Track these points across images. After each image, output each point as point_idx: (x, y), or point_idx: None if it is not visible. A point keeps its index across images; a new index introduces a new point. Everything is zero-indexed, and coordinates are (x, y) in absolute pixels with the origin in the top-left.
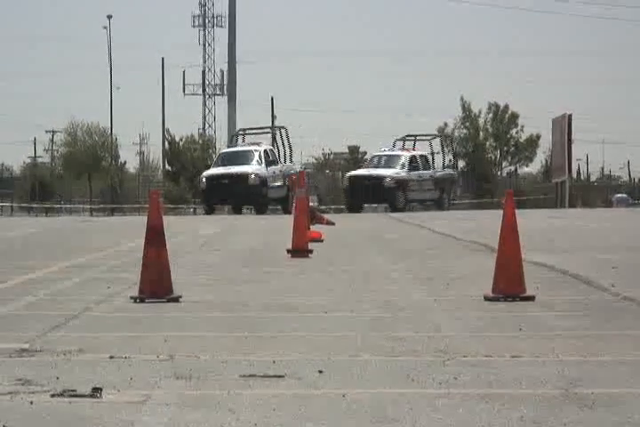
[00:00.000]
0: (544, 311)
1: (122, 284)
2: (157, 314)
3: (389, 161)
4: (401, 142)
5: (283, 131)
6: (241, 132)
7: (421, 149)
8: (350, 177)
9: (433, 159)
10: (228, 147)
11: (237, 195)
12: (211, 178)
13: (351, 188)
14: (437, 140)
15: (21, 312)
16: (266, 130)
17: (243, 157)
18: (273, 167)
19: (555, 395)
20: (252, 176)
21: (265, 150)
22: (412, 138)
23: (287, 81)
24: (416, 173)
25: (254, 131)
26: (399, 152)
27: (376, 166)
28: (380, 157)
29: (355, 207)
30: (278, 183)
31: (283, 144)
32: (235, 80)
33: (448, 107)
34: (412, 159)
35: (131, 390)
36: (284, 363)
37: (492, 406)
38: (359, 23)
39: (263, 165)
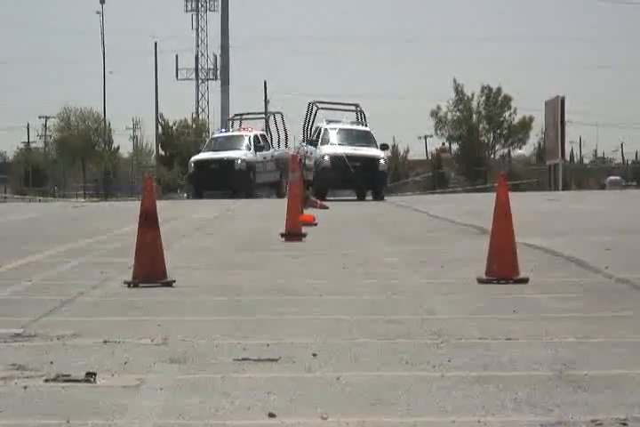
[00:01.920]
0: (538, 293)
1: (116, 268)
2: (151, 298)
3: (233, 142)
4: (235, 122)
5: (278, 116)
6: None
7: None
8: (196, 162)
9: (271, 138)
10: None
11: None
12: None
13: (197, 173)
14: (272, 117)
15: (15, 297)
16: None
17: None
18: (263, 152)
19: (549, 377)
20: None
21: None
22: (239, 117)
23: (280, 66)
24: (261, 153)
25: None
26: (243, 132)
27: (217, 149)
28: (223, 138)
29: (201, 194)
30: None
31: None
32: (228, 65)
33: (441, 91)
34: (256, 139)
35: (125, 375)
36: (279, 346)
37: (486, 389)
38: (353, 8)
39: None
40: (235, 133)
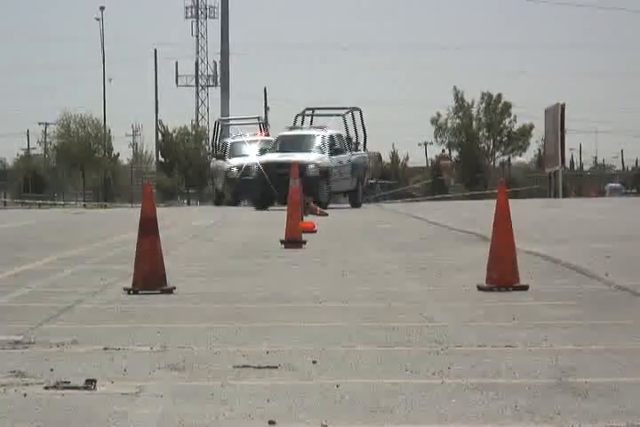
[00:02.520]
0: (537, 301)
1: (115, 276)
2: (151, 305)
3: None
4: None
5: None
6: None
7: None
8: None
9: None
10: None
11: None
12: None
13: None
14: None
15: (15, 304)
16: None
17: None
18: None
19: (548, 384)
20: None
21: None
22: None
23: (281, 72)
24: None
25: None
26: (260, 137)
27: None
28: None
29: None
30: None
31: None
32: (227, 71)
33: (441, 98)
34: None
35: (124, 382)
36: (278, 354)
37: (485, 396)
38: (353, 15)
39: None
40: (260, 138)
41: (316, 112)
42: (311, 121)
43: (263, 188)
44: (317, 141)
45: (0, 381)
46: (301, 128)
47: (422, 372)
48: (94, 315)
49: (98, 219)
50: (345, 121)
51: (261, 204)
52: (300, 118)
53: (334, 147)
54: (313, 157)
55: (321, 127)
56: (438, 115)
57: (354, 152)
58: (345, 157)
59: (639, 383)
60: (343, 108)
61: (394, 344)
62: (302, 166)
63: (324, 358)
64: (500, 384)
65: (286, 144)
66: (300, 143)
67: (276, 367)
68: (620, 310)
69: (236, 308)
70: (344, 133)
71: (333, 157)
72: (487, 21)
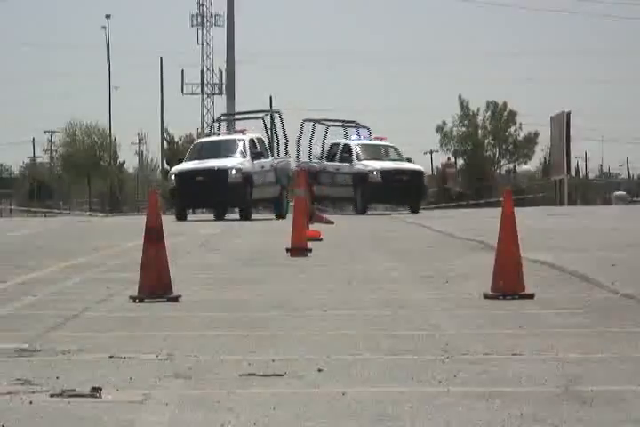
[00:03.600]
0: (543, 309)
1: (121, 284)
2: (157, 313)
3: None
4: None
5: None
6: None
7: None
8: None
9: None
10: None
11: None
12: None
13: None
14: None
15: (21, 312)
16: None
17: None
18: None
19: (555, 392)
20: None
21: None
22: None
23: (286, 80)
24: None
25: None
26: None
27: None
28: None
29: (184, 213)
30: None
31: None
32: (233, 79)
33: (447, 106)
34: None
35: (130, 390)
36: (284, 362)
37: (492, 404)
38: (358, 23)
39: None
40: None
41: (236, 117)
42: (230, 126)
43: (181, 197)
44: (238, 146)
45: (6, 388)
46: (218, 134)
47: (428, 380)
48: (100, 323)
49: (104, 227)
50: (265, 124)
51: (181, 213)
52: (215, 125)
53: (255, 151)
54: (234, 162)
55: (241, 131)
56: (444, 123)
57: (276, 157)
58: (267, 161)
59: None
60: (262, 111)
61: (400, 352)
62: (224, 172)
63: (330, 366)
64: (507, 392)
65: (205, 151)
66: (220, 149)
67: (282, 375)
68: (627, 318)
69: (242, 316)
70: (265, 137)
71: (255, 161)
72: (492, 29)
